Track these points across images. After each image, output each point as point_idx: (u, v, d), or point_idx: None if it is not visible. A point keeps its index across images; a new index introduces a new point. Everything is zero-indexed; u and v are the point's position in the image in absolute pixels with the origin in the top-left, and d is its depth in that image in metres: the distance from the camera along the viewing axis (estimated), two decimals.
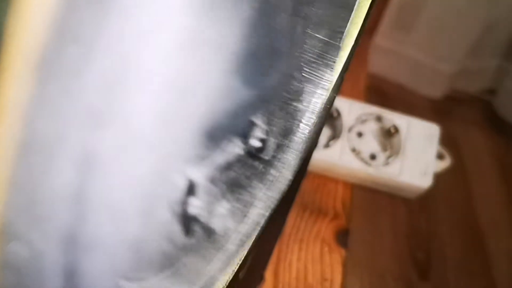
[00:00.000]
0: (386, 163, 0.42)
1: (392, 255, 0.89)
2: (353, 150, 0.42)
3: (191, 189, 0.15)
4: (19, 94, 0.09)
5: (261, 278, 0.29)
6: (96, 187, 0.11)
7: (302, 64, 0.16)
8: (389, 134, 0.43)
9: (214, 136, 0.15)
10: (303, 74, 0.16)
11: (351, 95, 0.45)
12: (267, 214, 0.17)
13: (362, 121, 0.43)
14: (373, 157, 0.42)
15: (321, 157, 0.40)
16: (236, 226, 0.16)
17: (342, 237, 0.38)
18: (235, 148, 0.16)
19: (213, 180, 0.15)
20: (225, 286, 0.17)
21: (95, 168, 0.11)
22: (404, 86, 1.22)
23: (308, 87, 0.16)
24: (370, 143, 0.43)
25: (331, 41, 0.16)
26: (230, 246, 0.16)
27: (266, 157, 0.17)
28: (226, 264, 0.17)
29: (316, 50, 0.16)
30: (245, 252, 0.17)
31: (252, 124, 0.16)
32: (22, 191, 0.10)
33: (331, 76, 0.16)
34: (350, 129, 0.42)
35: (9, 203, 0.10)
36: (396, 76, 1.21)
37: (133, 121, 0.11)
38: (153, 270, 0.15)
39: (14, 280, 0.11)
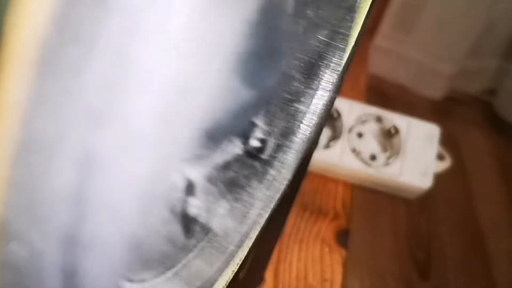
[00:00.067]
0: (386, 164, 0.42)
1: (392, 255, 0.89)
2: (353, 150, 0.42)
3: (189, 189, 0.15)
4: (19, 93, 0.09)
5: (261, 279, 0.29)
6: (96, 187, 0.11)
7: (302, 64, 0.16)
8: (389, 135, 0.43)
9: (214, 136, 0.15)
10: (304, 74, 0.16)
11: (351, 96, 0.45)
12: (266, 214, 0.17)
13: (362, 121, 0.43)
14: (373, 157, 0.42)
15: (321, 158, 0.40)
16: (236, 226, 0.16)
17: (342, 237, 0.38)
18: (235, 148, 0.16)
19: (211, 180, 0.15)
20: (225, 286, 0.17)
21: (95, 168, 0.11)
22: (404, 86, 1.22)
23: (309, 88, 0.16)
24: (370, 144, 0.43)
25: (332, 42, 0.16)
26: (230, 247, 0.16)
27: (265, 157, 0.17)
28: (226, 264, 0.17)
29: (316, 51, 0.16)
30: (245, 253, 0.17)
31: (253, 125, 0.16)
32: (21, 191, 0.10)
33: (332, 77, 0.16)
34: (350, 130, 0.42)
35: (9, 203, 0.10)
36: (396, 77, 1.21)
37: (133, 121, 0.11)
38: (154, 272, 0.15)
39: (14, 280, 0.11)
